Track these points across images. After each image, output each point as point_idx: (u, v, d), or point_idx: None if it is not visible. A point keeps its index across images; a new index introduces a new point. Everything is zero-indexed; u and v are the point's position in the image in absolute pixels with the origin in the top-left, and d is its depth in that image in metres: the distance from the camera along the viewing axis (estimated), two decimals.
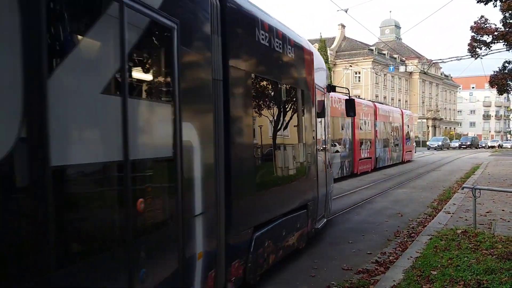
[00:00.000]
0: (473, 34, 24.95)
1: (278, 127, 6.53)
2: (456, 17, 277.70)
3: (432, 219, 10.32)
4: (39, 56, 2.36)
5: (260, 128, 5.88)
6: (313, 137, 8.01)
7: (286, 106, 6.93)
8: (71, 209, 2.73)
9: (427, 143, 62.67)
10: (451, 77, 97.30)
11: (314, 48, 8.41)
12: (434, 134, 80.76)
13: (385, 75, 70.01)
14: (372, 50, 70.68)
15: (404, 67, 55.76)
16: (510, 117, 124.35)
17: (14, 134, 2.19)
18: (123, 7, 2.95)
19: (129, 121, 3.02)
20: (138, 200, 3.21)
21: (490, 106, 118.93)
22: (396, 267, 6.43)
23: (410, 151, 33.70)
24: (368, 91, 65.01)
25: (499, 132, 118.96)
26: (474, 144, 67.58)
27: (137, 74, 3.41)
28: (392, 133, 28.90)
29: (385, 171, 24.65)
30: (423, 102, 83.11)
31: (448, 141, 66.39)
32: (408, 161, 32.11)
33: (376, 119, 25.10)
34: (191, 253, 4.05)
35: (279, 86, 6.61)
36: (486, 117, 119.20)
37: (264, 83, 6.23)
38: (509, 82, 27.26)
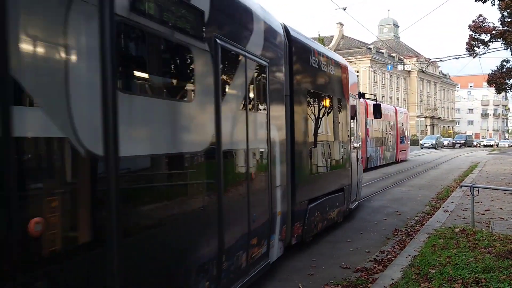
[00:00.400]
0: (471, 32, 24.98)
1: (324, 128, 8.90)
2: (454, 16, 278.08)
3: (431, 217, 10.32)
4: (218, 92, 4.48)
5: (312, 128, 8.11)
6: (348, 135, 10.22)
7: (330, 112, 9.15)
8: (238, 172, 5.20)
9: (420, 142, 61.87)
10: (449, 76, 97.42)
11: (348, 65, 10.49)
12: (432, 133, 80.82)
13: (383, 73, 70.11)
14: (370, 48, 70.72)
15: (402, 65, 55.82)
16: (508, 116, 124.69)
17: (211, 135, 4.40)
18: (246, 59, 5.26)
19: (249, 125, 5.31)
20: (252, 172, 5.44)
21: (488, 105, 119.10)
22: (394, 266, 6.42)
23: (405, 150, 33.03)
24: (366, 90, 65.01)
25: (497, 131, 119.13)
26: (468, 143, 66.78)
27: (251, 95, 5.58)
28: (385, 131, 28.43)
29: (382, 169, 24.65)
30: (421, 101, 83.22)
31: (442, 139, 65.48)
32: (403, 161, 31.80)
33: (367, 117, 24.43)
34: (275, 210, 6.25)
35: (325, 96, 8.85)
36: (484, 116, 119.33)
37: (315, 95, 8.36)
38: (507, 81, 27.30)
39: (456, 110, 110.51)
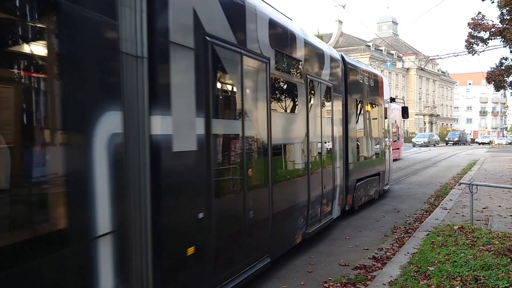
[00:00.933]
0: (470, 30, 24.93)
1: (367, 127, 11.71)
2: (454, 13, 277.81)
3: (429, 215, 10.33)
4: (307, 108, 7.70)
5: (359, 128, 11.04)
6: (383, 133, 13.29)
7: (370, 115, 11.94)
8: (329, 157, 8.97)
9: (413, 139, 58.23)
10: (448, 74, 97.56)
11: (382, 75, 13.46)
12: (431, 130, 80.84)
13: (382, 71, 69.92)
14: (369, 46, 70.65)
15: (401, 63, 55.78)
16: (506, 114, 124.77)
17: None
18: (320, 84, 8.15)
19: (322, 127, 8.29)
20: (324, 156, 8.44)
21: (486, 102, 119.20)
22: (393, 263, 6.44)
23: (398, 148, 29.99)
24: None
25: (496, 128, 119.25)
26: (462, 140, 64.76)
27: (323, 107, 8.46)
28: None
29: None
30: (420, 98, 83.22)
31: (436, 137, 61.67)
32: (395, 160, 29.93)
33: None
34: (336, 182, 9.11)
35: (367, 103, 11.67)
36: (483, 113, 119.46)
37: (361, 103, 11.21)
38: (506, 78, 27.26)
39: (455, 107, 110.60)
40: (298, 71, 7.16)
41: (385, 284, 5.50)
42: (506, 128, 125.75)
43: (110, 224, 3.23)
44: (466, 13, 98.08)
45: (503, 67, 26.58)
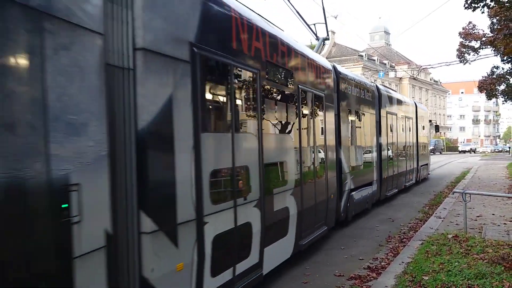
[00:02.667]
0: (461, 39, 25.21)
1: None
2: (445, 23, 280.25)
3: (423, 224, 10.36)
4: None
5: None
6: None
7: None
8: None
9: None
10: (441, 82, 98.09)
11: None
12: None
13: (375, 80, 70.34)
14: (362, 56, 71.06)
15: (394, 72, 56.09)
16: (499, 122, 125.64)
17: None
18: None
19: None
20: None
21: (479, 110, 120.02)
22: (388, 273, 6.45)
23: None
24: None
25: (489, 136, 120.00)
26: (437, 149, 63.57)
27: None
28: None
29: None
30: None
31: (441, 143, 60.92)
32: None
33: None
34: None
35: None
36: (476, 121, 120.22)
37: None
38: (498, 87, 27.53)
39: (448, 116, 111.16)
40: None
41: None
42: (499, 136, 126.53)
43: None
44: (458, 22, 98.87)
45: (494, 76, 26.87)
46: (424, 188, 18.70)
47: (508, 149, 76.67)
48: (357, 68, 66.40)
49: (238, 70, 5.41)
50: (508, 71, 26.41)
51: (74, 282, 3.12)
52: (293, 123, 7.27)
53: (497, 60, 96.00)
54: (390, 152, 14.82)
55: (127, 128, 3.70)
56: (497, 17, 19.40)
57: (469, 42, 25.03)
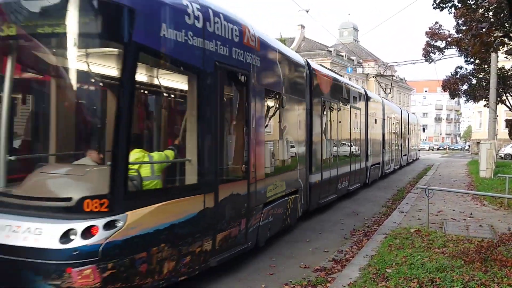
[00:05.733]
0: (427, 39, 25.68)
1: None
2: (413, 22, 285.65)
3: (387, 218, 10.56)
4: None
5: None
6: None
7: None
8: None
9: None
10: (406, 81, 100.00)
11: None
12: None
13: (343, 76, 71.25)
14: (330, 51, 71.65)
15: (361, 69, 56.83)
16: (460, 121, 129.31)
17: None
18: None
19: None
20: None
21: (441, 109, 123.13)
22: (352, 265, 6.53)
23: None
24: None
25: (450, 134, 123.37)
26: None
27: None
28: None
29: None
30: None
31: None
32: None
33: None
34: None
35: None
36: (438, 120, 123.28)
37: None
38: (461, 86, 28.25)
39: (412, 113, 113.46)
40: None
41: (344, 286, 5.57)
42: (459, 134, 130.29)
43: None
44: (425, 22, 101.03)
45: (458, 76, 27.54)
46: (388, 184, 19.08)
47: (460, 147, 79.38)
48: (326, 63, 66.94)
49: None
50: (471, 72, 27.15)
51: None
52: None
53: (461, 61, 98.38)
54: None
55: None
56: (463, 18, 19.85)
57: (435, 41, 25.51)
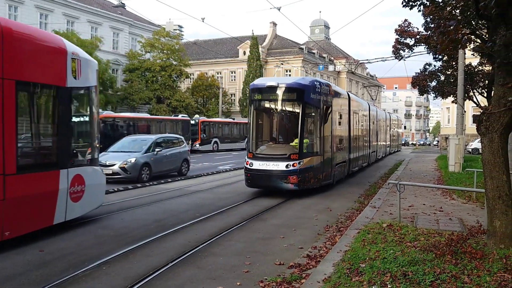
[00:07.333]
0: (397, 36, 26.02)
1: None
2: (383, 20, 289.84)
3: (359, 213, 10.67)
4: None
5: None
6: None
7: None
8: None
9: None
10: (376, 77, 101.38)
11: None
12: None
13: (314, 73, 71.75)
14: (302, 49, 72.09)
15: (333, 66, 57.35)
16: (429, 117, 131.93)
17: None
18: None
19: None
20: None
21: (411, 105, 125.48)
22: (326, 261, 6.58)
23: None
24: None
25: (419, 130, 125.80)
26: None
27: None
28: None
29: None
30: None
31: None
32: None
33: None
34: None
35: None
36: (408, 116, 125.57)
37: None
38: (429, 83, 28.74)
39: (383, 110, 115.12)
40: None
41: (319, 282, 5.61)
42: (429, 130, 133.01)
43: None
44: (395, 20, 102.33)
45: (427, 73, 27.98)
46: (359, 179, 19.31)
47: (429, 142, 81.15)
48: (298, 60, 67.37)
49: None
50: (439, 68, 27.64)
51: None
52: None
53: (429, 58, 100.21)
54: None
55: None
56: (431, 16, 20.21)
57: (404, 39, 25.85)
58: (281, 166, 13.49)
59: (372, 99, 42.86)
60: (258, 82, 15.18)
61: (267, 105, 15.32)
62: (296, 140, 14.01)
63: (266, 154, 14.16)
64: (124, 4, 41.59)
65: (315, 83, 14.74)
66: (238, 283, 6.03)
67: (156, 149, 18.21)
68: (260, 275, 6.32)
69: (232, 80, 70.71)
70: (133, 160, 17.06)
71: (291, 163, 13.40)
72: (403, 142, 76.97)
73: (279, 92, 14.36)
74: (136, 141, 19.19)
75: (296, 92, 14.30)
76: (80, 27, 46.44)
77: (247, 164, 14.12)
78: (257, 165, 13.87)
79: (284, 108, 15.48)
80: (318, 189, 14.52)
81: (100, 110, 31.26)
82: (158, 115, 43.74)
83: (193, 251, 7.58)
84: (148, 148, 18.01)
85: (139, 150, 17.83)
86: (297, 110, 14.32)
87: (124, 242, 8.14)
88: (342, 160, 18.05)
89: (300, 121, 13.88)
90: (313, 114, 14.65)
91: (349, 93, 20.70)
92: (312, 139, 14.56)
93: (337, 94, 17.47)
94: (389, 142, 37.49)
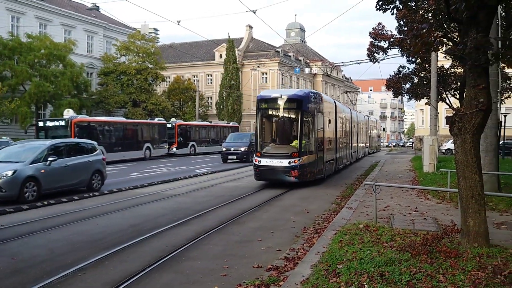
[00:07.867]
0: (371, 39, 26.34)
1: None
2: (357, 23, 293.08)
3: (336, 214, 10.73)
4: None
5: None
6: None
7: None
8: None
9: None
10: (352, 80, 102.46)
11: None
12: None
13: (290, 76, 72.08)
14: (278, 52, 72.34)
15: (308, 69, 57.68)
16: (403, 118, 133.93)
17: None
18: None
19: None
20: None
21: (386, 107, 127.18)
22: (304, 263, 6.60)
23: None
24: None
25: (394, 132, 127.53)
26: None
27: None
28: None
29: None
30: None
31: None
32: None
33: None
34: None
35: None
36: (383, 118, 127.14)
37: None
38: (403, 85, 29.14)
39: (361, 113, 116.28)
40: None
41: (297, 284, 5.62)
42: (403, 131, 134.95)
43: None
44: (370, 23, 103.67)
45: (401, 75, 28.36)
46: (336, 181, 19.46)
47: (403, 143, 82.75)
48: (274, 63, 67.54)
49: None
50: (413, 71, 28.08)
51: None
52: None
53: (403, 60, 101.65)
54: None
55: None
56: (404, 20, 20.53)
57: (378, 42, 26.17)
58: (284, 162, 16.44)
59: (352, 104, 47.02)
60: (264, 93, 18.32)
61: (271, 112, 18.25)
62: (296, 141, 16.86)
63: (272, 153, 17.01)
64: (98, 7, 41.17)
65: (310, 94, 17.88)
66: (216, 287, 5.99)
67: (50, 158, 13.95)
68: (238, 279, 6.30)
69: (208, 83, 70.46)
70: (9, 173, 12.78)
71: (293, 160, 16.38)
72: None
73: (281, 102, 17.44)
74: (25, 147, 14.83)
75: (296, 102, 17.27)
76: (53, 30, 45.64)
77: (256, 161, 17.04)
78: (265, 162, 16.79)
79: (285, 115, 18.35)
80: (295, 192, 14.62)
81: (75, 114, 31.07)
82: (134, 118, 43.36)
83: (170, 255, 7.52)
84: (37, 157, 13.76)
85: (23, 160, 13.58)
86: (296, 117, 17.20)
87: (100, 248, 8.02)
88: (331, 158, 20.99)
89: (299, 125, 16.79)
90: (309, 119, 17.33)
91: (335, 100, 24.33)
92: (308, 140, 17.23)
93: (326, 102, 20.39)
94: (368, 144, 40.77)
